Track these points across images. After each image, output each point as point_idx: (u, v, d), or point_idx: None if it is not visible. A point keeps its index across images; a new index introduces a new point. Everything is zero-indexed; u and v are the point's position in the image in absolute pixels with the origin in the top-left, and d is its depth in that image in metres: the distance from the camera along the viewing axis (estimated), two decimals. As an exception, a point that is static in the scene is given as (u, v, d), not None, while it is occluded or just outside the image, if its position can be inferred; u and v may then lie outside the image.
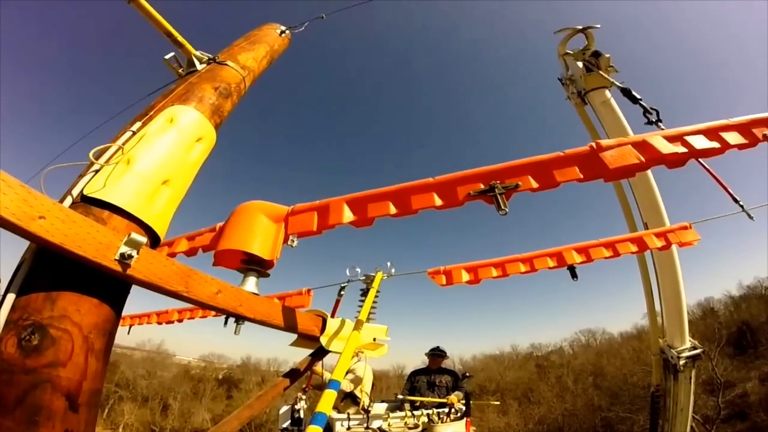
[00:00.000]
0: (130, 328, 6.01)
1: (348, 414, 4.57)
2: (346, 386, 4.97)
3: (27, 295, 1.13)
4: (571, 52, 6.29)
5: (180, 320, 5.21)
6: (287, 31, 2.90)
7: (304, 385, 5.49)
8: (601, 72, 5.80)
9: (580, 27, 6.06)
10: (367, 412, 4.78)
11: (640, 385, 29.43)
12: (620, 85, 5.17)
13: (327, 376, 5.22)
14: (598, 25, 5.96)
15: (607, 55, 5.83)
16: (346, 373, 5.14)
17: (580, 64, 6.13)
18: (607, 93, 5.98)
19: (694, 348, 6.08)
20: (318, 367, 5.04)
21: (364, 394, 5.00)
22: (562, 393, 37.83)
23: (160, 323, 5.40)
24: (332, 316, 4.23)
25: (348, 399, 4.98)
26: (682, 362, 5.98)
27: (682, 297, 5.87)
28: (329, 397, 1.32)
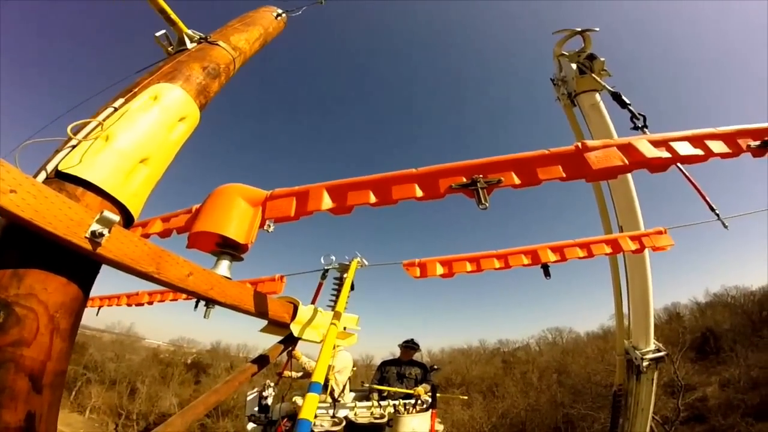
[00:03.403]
0: (99, 309, 5.85)
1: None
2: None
3: (-7, 271, 1.08)
4: (567, 54, 6.37)
5: (150, 303, 5.09)
6: (283, 15, 2.85)
7: (278, 371, 5.46)
8: (593, 75, 5.88)
9: (579, 29, 6.13)
10: (335, 400, 4.81)
11: (603, 383, 30.46)
12: (611, 89, 5.25)
13: (305, 360, 5.20)
14: (597, 29, 6.03)
15: (602, 59, 5.93)
16: None
17: (574, 65, 6.20)
18: (597, 96, 6.09)
19: (658, 350, 6.31)
20: (297, 352, 5.03)
21: (336, 381, 5.02)
22: (527, 389, 38.87)
23: (130, 305, 5.26)
24: (313, 301, 4.25)
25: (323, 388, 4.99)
26: (645, 364, 6.20)
27: (650, 300, 6.08)
28: (312, 402, 1.28)
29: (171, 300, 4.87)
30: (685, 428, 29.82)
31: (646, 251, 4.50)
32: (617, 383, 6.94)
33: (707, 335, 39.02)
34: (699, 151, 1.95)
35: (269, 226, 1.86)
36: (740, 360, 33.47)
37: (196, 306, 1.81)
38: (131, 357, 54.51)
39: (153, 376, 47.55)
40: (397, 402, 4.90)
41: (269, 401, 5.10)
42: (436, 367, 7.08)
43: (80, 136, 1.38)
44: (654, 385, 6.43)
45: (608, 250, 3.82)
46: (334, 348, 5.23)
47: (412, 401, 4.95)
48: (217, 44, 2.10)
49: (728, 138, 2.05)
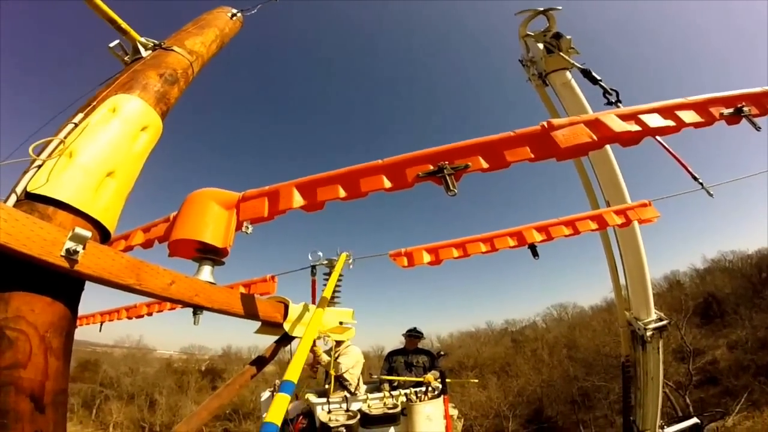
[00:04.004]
0: (101, 325, 5.90)
1: (327, 398, 4.65)
2: (336, 370, 5.03)
3: (-22, 298, 1.11)
4: (532, 34, 6.31)
5: (149, 314, 5.14)
6: (238, 14, 2.81)
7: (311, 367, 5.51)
8: (561, 53, 5.84)
9: (542, 9, 6.06)
10: (352, 394, 4.88)
11: (613, 355, 30.59)
12: (580, 66, 5.25)
13: (323, 356, 5.25)
14: (560, 7, 5.98)
15: (569, 37, 5.85)
16: (336, 357, 5.21)
17: (540, 45, 6.15)
18: (568, 74, 6.05)
19: (660, 320, 6.32)
20: (318, 348, 5.08)
21: (352, 376, 5.09)
22: (539, 366, 39.19)
23: (130, 318, 5.31)
24: (313, 299, 4.29)
25: (336, 383, 5.06)
26: (648, 334, 6.22)
27: (646, 271, 6.10)
28: (281, 403, 1.24)
29: (169, 309, 4.92)
30: (699, 391, 30.01)
31: (635, 223, 4.51)
32: (624, 354, 6.98)
33: (709, 300, 39.26)
34: (670, 122, 1.95)
35: (247, 227, 1.87)
36: (745, 322, 33.71)
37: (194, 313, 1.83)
38: (145, 369, 54.70)
39: (170, 387, 47.85)
40: (408, 391, 4.95)
41: (284, 400, 5.13)
42: (443, 353, 7.16)
43: (44, 155, 1.39)
44: (660, 353, 6.44)
45: (594, 226, 3.82)
46: (341, 344, 5.32)
47: (423, 389, 5.01)
48: (172, 50, 2.09)
49: (699, 107, 2.04)
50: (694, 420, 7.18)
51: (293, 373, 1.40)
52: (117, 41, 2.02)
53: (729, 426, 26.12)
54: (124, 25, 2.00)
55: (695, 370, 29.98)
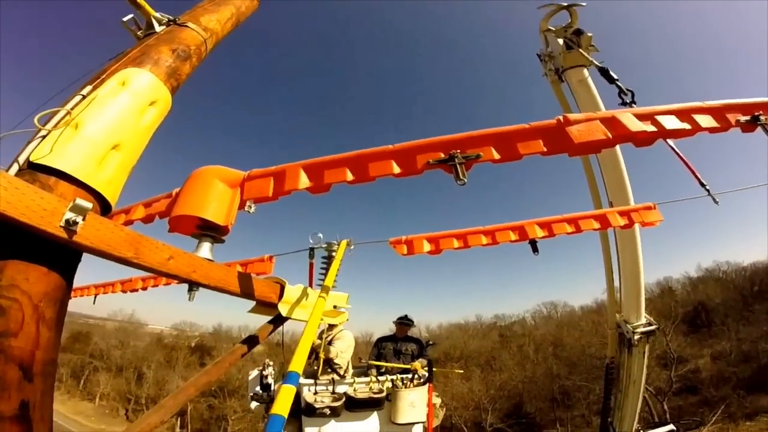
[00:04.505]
0: (95, 297, 5.90)
1: (315, 380, 4.70)
2: (332, 354, 5.08)
3: (-27, 266, 1.09)
4: (553, 29, 6.24)
5: (144, 288, 5.14)
6: (256, -7, 2.75)
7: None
8: (581, 50, 5.78)
9: (565, 3, 5.97)
10: (341, 376, 4.96)
11: (598, 356, 31.17)
12: (599, 64, 5.20)
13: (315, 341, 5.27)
14: (584, 3, 5.90)
15: (590, 34, 5.79)
16: (329, 342, 5.25)
17: (560, 41, 6.08)
18: (585, 72, 5.99)
19: (649, 324, 6.39)
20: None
21: (342, 360, 5.15)
22: (523, 361, 39.87)
23: (124, 291, 5.31)
24: (310, 283, 4.30)
25: (326, 366, 5.12)
26: (636, 337, 6.29)
27: (641, 275, 6.12)
28: (287, 395, 1.22)
29: (165, 284, 4.92)
30: (678, 399, 30.70)
31: (636, 226, 4.51)
32: (609, 356, 7.06)
33: (699, 309, 39.94)
34: (686, 125, 1.92)
35: (250, 207, 1.85)
36: (732, 333, 34.37)
37: (189, 289, 1.82)
38: (135, 343, 55.30)
39: (158, 361, 48.42)
40: (394, 377, 5.01)
41: (270, 380, 5.20)
42: (431, 342, 7.23)
43: (49, 125, 1.36)
44: (645, 358, 6.53)
45: (597, 225, 3.82)
46: (334, 327, 5.35)
47: (410, 376, 5.07)
48: (186, 26, 2.04)
49: (716, 112, 2.02)
50: (670, 427, 7.29)
51: (298, 364, 1.37)
52: (131, 15, 1.98)
53: None
54: (139, -1, 1.95)
55: (677, 377, 30.56)
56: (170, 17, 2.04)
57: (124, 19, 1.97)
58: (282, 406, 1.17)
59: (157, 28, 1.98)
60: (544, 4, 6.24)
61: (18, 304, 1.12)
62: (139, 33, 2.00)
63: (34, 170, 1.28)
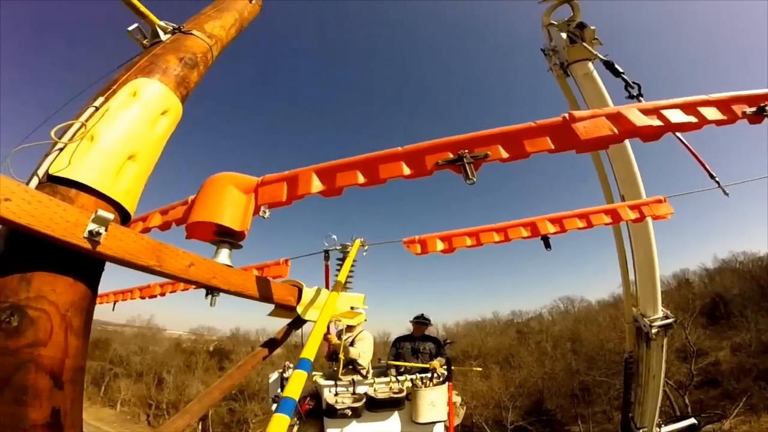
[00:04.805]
0: (114, 304, 6.03)
1: (335, 381, 4.73)
2: (353, 354, 5.12)
3: (3, 278, 1.13)
4: (556, 23, 6.21)
5: (162, 294, 5.24)
6: (257, -3, 2.78)
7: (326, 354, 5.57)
8: (584, 44, 5.73)
9: None
10: (363, 377, 4.98)
11: (616, 351, 30.75)
12: (603, 57, 5.15)
13: (335, 339, 5.31)
14: None
15: (593, 28, 5.75)
16: (351, 343, 5.28)
17: (564, 35, 6.03)
18: (590, 65, 5.95)
19: (666, 317, 6.30)
20: (332, 336, 5.16)
21: (365, 361, 5.17)
22: (542, 358, 39.47)
23: (143, 297, 5.42)
24: (326, 285, 4.34)
25: (349, 366, 5.15)
26: (654, 331, 6.21)
27: (656, 268, 6.06)
28: (298, 379, 1.26)
29: (182, 290, 5.00)
30: (699, 392, 30.16)
31: (649, 219, 4.46)
32: (628, 350, 6.99)
33: (717, 301, 39.14)
34: (692, 119, 1.92)
35: (264, 212, 1.89)
36: (750, 324, 33.59)
37: (207, 295, 1.87)
38: (154, 348, 56.09)
39: (178, 366, 49.02)
40: (414, 376, 5.03)
41: (290, 381, 5.22)
42: (449, 340, 7.24)
43: (65, 138, 1.39)
44: (664, 351, 6.44)
45: (608, 220, 3.79)
46: (353, 328, 5.38)
47: (429, 375, 5.08)
48: (191, 34, 2.07)
49: (722, 105, 2.01)
50: (692, 420, 7.19)
51: (310, 351, 1.42)
52: (136, 25, 2.00)
53: (726, 429, 26.27)
54: (143, 8, 1.99)
55: (697, 370, 30.02)
56: (175, 25, 2.07)
57: (130, 28, 1.99)
58: (293, 390, 1.21)
59: (163, 36, 2.01)
60: None
61: (46, 314, 1.15)
62: (144, 42, 2.03)
63: (53, 183, 1.31)
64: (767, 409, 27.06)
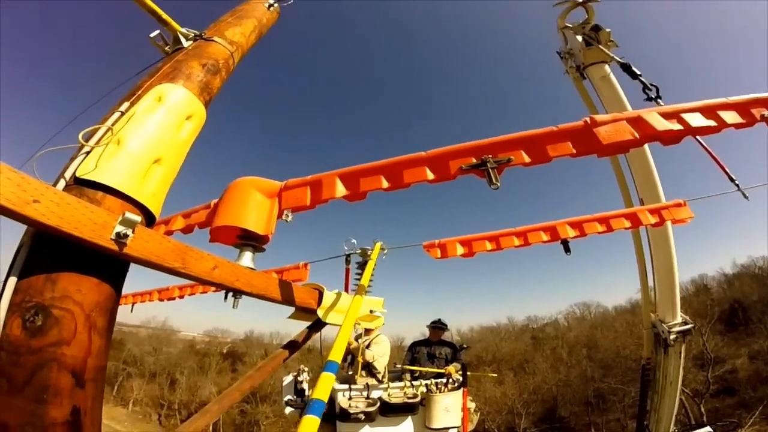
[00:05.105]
0: (132, 306, 6.13)
1: (350, 384, 4.72)
2: (368, 357, 5.12)
3: (28, 278, 1.15)
4: (571, 26, 6.18)
5: (181, 296, 5.32)
6: (276, 5, 2.80)
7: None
8: (600, 46, 5.70)
9: (580, 0, 5.92)
10: (380, 382, 4.99)
11: (632, 357, 30.19)
12: (620, 60, 5.10)
13: (353, 341, 5.31)
14: None
15: (608, 30, 5.72)
16: (368, 345, 5.27)
17: (579, 37, 6.02)
18: (607, 68, 5.90)
19: (685, 323, 6.21)
20: (350, 339, 5.17)
21: (381, 365, 5.19)
22: (557, 364, 38.87)
23: (161, 300, 5.51)
24: (346, 288, 4.35)
25: (366, 370, 5.14)
26: (672, 337, 6.12)
27: (675, 273, 5.97)
28: (327, 381, 1.26)
29: (201, 293, 5.07)
30: (715, 401, 29.44)
31: (669, 224, 4.39)
32: (645, 357, 6.91)
33: (735, 307, 38.19)
34: (712, 122, 1.91)
35: (287, 216, 1.91)
36: None
37: (226, 297, 1.88)
38: (168, 350, 56.76)
39: (191, 367, 49.50)
40: (429, 381, 4.98)
41: (305, 385, 5.25)
42: (465, 345, 7.18)
43: (92, 142, 1.42)
44: (682, 358, 6.35)
45: (628, 224, 3.75)
46: (371, 332, 5.38)
47: (444, 380, 5.03)
48: (213, 40, 2.10)
49: (741, 108, 1.99)
50: (707, 429, 7.05)
51: (337, 354, 1.41)
52: (157, 32, 2.04)
53: None
54: (164, 16, 2.02)
55: (713, 378, 29.28)
56: (196, 32, 2.11)
57: (152, 35, 2.03)
58: (322, 392, 1.20)
59: (185, 43, 2.04)
60: (558, 2, 6.17)
61: (71, 314, 1.17)
62: (166, 48, 2.06)
63: (80, 185, 1.34)
64: (783, 419, 26.30)
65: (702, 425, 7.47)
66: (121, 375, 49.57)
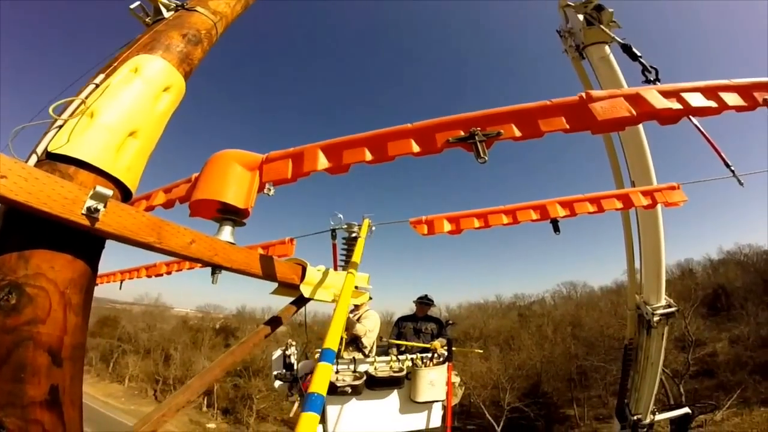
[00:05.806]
0: (121, 283, 6.10)
1: (336, 359, 4.78)
2: (360, 331, 5.18)
3: (1, 256, 1.12)
4: (573, 4, 6.03)
5: (168, 272, 5.28)
6: (265, -28, 2.69)
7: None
8: (602, 26, 5.57)
9: None
10: (365, 356, 5.07)
11: (616, 337, 31.04)
12: (621, 40, 5.00)
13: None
14: None
15: (611, 10, 5.58)
16: (357, 319, 5.33)
17: (581, 16, 5.86)
18: (607, 48, 5.78)
19: (669, 306, 6.32)
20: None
21: (369, 340, 5.26)
22: (542, 341, 39.88)
23: (149, 276, 5.48)
24: (335, 266, 4.34)
25: (353, 345, 5.21)
26: (656, 319, 6.24)
27: (662, 256, 6.03)
28: (324, 373, 1.18)
29: (188, 268, 5.03)
30: (694, 382, 30.51)
31: (659, 207, 4.39)
32: (628, 337, 7.02)
33: (719, 292, 39.24)
34: (712, 103, 1.85)
35: (269, 189, 1.87)
36: (750, 318, 33.82)
37: (213, 273, 1.86)
38: (162, 326, 57.23)
39: (185, 343, 50.06)
40: (414, 356, 5.05)
41: (293, 359, 5.31)
42: (451, 321, 7.28)
43: (65, 115, 1.36)
44: (664, 340, 6.49)
45: (619, 205, 3.74)
46: (359, 307, 5.42)
47: (429, 355, 5.12)
48: (195, 10, 2.01)
49: (743, 90, 1.94)
50: (686, 410, 7.27)
51: (333, 341, 1.34)
52: (138, 2, 1.96)
53: (717, 420, 26.64)
54: (145, -15, 1.92)
55: (694, 360, 30.29)
56: (178, 2, 2.01)
57: (132, 6, 1.95)
58: (320, 385, 1.13)
59: (166, 13, 1.95)
60: None
61: (45, 291, 1.15)
62: (147, 20, 1.98)
63: (52, 160, 1.29)
64: (760, 402, 27.33)
65: (681, 405, 7.71)
66: (116, 352, 50.05)
